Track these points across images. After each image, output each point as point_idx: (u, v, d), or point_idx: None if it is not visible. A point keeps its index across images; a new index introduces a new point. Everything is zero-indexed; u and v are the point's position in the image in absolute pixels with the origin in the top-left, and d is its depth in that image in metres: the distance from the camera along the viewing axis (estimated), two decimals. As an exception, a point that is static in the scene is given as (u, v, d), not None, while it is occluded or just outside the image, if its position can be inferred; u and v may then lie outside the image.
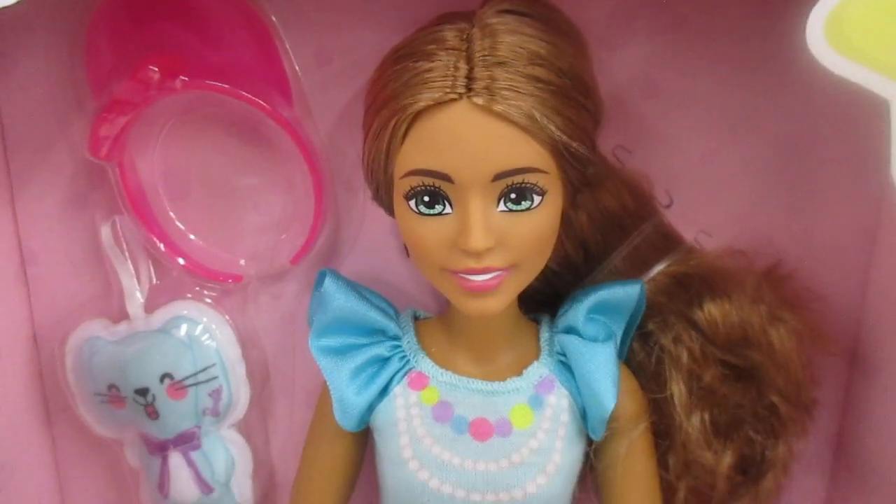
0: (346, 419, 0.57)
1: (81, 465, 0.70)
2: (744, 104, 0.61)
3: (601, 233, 0.61)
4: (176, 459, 0.63)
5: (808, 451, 0.68)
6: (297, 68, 0.60)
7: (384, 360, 0.58)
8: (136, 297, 0.61)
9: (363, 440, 0.61)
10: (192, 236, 0.62)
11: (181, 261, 0.61)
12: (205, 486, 0.64)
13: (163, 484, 0.63)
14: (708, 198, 0.63)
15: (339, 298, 0.57)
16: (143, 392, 0.60)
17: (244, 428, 0.66)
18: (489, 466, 0.54)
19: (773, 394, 0.59)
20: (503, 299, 0.51)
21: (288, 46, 0.59)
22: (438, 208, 0.49)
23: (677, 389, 0.58)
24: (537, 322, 0.60)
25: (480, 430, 0.55)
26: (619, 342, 0.57)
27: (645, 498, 0.58)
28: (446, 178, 0.48)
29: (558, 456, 0.55)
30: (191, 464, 0.63)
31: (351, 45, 0.59)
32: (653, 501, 0.58)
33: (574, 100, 0.49)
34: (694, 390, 0.58)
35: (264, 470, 0.68)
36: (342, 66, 0.60)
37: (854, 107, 0.59)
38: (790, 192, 0.63)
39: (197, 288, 0.63)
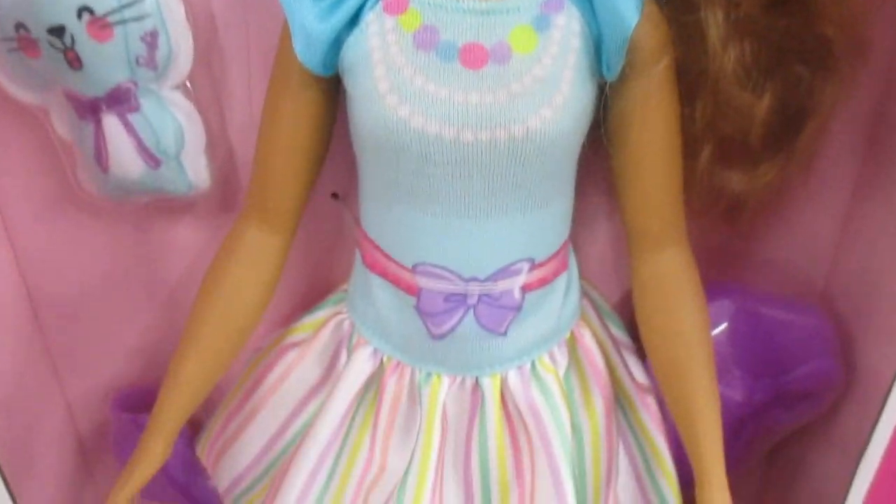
0: (308, 54, 0.47)
1: (4, 142, 0.60)
2: None
3: None
4: (111, 123, 0.53)
5: (839, 133, 0.60)
6: None
7: (353, -19, 0.47)
8: (38, -87, 0.49)
9: (333, 92, 0.51)
10: None
11: None
12: (149, 157, 0.54)
13: (100, 154, 0.54)
14: None
15: None
16: (58, 32, 0.49)
17: (193, 95, 0.55)
18: (484, 98, 0.45)
19: (825, 23, 0.49)
20: None
21: None
22: None
23: (712, 16, 0.47)
24: (543, -63, 0.48)
25: (473, 56, 0.45)
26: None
27: (664, 145, 0.50)
28: None
29: (567, 86, 0.46)
30: (130, 129, 0.53)
31: None
32: (673, 151, 0.50)
33: None
34: (732, 17, 0.47)
35: (221, 147, 0.59)
36: None
37: None
38: None
39: None
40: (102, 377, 0.71)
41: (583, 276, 0.61)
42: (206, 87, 0.56)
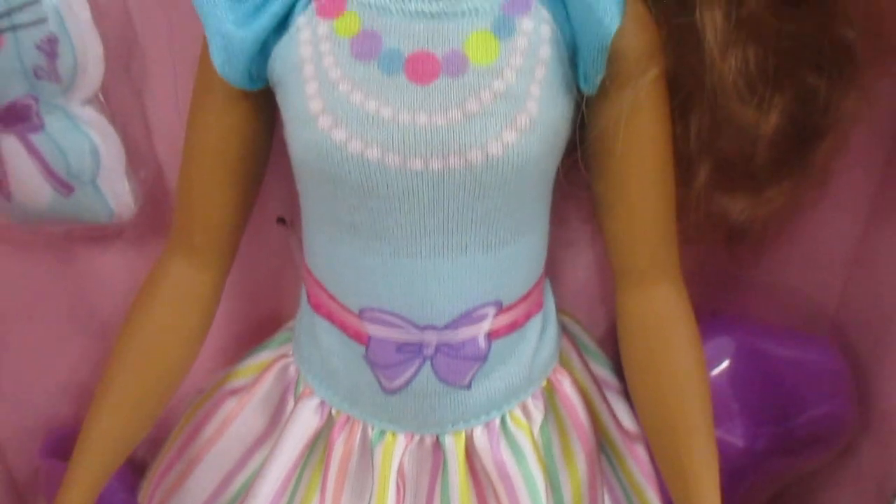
0: (230, 67, 0.39)
1: None
2: None
3: None
4: (11, 145, 0.46)
5: (855, 145, 0.52)
6: None
7: (280, -21, 0.39)
8: None
9: (266, 106, 0.43)
10: None
11: None
12: (58, 183, 0.47)
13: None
14: None
15: None
16: (-64, 40, 0.42)
17: (110, 109, 0.48)
18: (434, 119, 0.37)
19: (844, 25, 0.41)
20: None
21: None
22: None
23: (710, 17, 0.40)
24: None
25: (421, 68, 0.37)
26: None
27: (653, 171, 0.42)
28: None
29: (534, 105, 0.38)
30: (32, 150, 0.46)
31: None
32: (664, 177, 0.42)
33: None
34: (734, 19, 0.40)
35: (147, 168, 0.51)
36: None
37: None
38: None
39: None
40: (34, 416, 0.64)
41: (563, 306, 0.54)
42: (125, 97, 0.49)
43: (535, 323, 0.47)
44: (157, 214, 0.54)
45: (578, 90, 0.40)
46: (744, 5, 0.40)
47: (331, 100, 0.38)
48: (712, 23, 0.39)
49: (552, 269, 0.52)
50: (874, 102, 0.47)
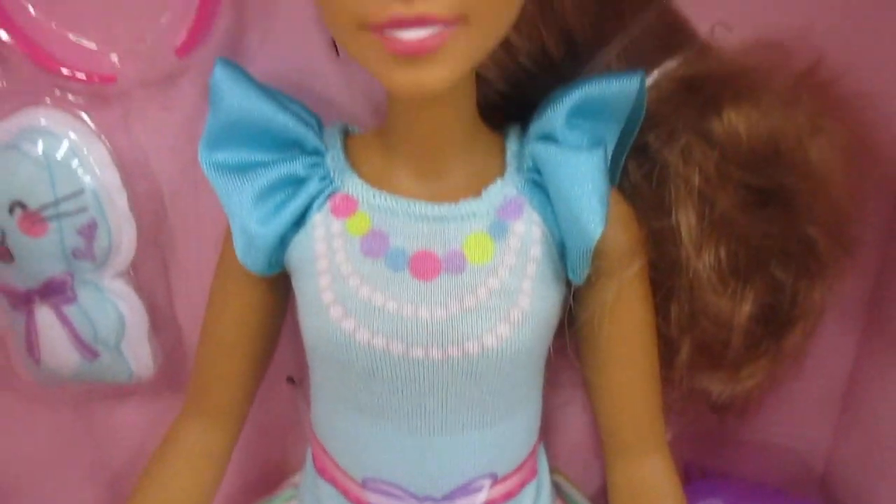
0: (251, 258, 0.44)
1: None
2: None
3: (590, 19, 0.46)
4: (45, 315, 0.49)
5: (835, 310, 0.56)
6: None
7: (299, 182, 0.44)
8: (-25, 104, 0.46)
9: (282, 287, 0.47)
10: (32, 11, 0.46)
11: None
12: (85, 349, 0.51)
13: (31, 346, 0.50)
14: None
15: (234, 95, 0.42)
16: (-13, 226, 0.47)
17: (137, 279, 0.52)
18: (435, 313, 0.41)
19: (809, 225, 0.45)
20: (448, 68, 0.36)
21: None
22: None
23: (685, 218, 0.44)
24: (504, 135, 0.46)
25: (424, 265, 0.42)
26: (609, 155, 0.44)
27: (638, 356, 0.45)
28: None
29: (526, 300, 0.42)
30: (64, 321, 0.50)
31: None
32: (648, 361, 0.46)
33: None
34: (706, 220, 0.44)
35: (168, 332, 0.55)
36: None
37: None
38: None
39: (58, 92, 0.47)
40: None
41: (557, 464, 0.56)
42: (152, 268, 0.53)
43: (530, 490, 0.49)
44: (172, 373, 0.57)
45: (567, 279, 0.44)
46: (715, 207, 0.44)
47: (341, 292, 0.42)
48: (687, 224, 0.44)
49: (546, 431, 0.54)
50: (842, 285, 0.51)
